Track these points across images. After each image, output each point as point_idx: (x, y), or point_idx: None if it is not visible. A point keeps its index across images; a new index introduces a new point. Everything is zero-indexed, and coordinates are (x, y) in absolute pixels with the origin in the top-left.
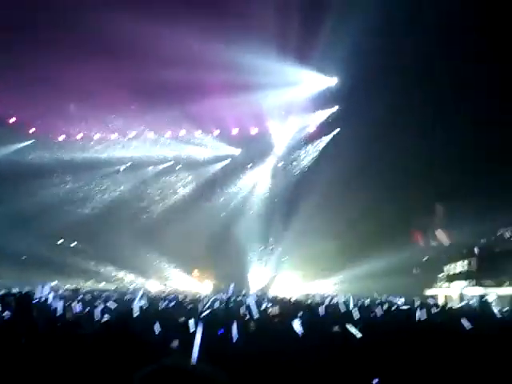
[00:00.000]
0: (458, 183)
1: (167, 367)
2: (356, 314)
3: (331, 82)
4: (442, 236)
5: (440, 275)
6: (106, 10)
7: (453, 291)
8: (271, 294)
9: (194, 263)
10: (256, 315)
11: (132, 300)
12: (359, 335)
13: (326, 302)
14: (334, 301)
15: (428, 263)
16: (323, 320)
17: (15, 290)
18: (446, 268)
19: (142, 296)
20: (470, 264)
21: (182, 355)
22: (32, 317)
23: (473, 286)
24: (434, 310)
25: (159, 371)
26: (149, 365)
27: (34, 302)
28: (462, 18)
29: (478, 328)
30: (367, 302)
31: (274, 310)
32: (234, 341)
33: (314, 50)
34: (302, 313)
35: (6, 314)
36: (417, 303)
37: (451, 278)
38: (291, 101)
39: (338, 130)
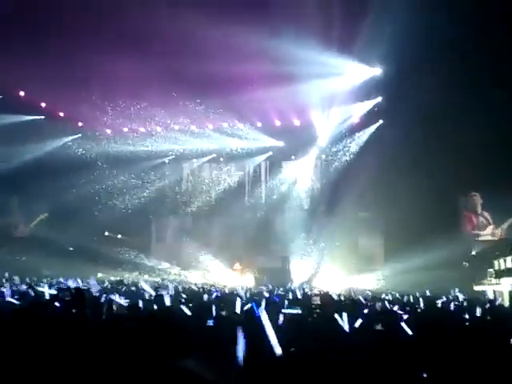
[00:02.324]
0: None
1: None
2: (400, 311)
3: (375, 72)
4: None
5: (489, 270)
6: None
7: (503, 287)
8: (314, 286)
9: (235, 256)
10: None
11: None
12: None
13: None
14: (379, 296)
15: (476, 258)
16: (367, 316)
17: (70, 284)
18: (495, 263)
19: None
20: None
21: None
22: (85, 312)
23: None
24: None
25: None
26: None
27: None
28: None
29: None
30: (411, 298)
31: (315, 300)
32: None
33: (358, 39)
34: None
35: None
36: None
37: (500, 274)
38: (334, 92)
39: (380, 121)
